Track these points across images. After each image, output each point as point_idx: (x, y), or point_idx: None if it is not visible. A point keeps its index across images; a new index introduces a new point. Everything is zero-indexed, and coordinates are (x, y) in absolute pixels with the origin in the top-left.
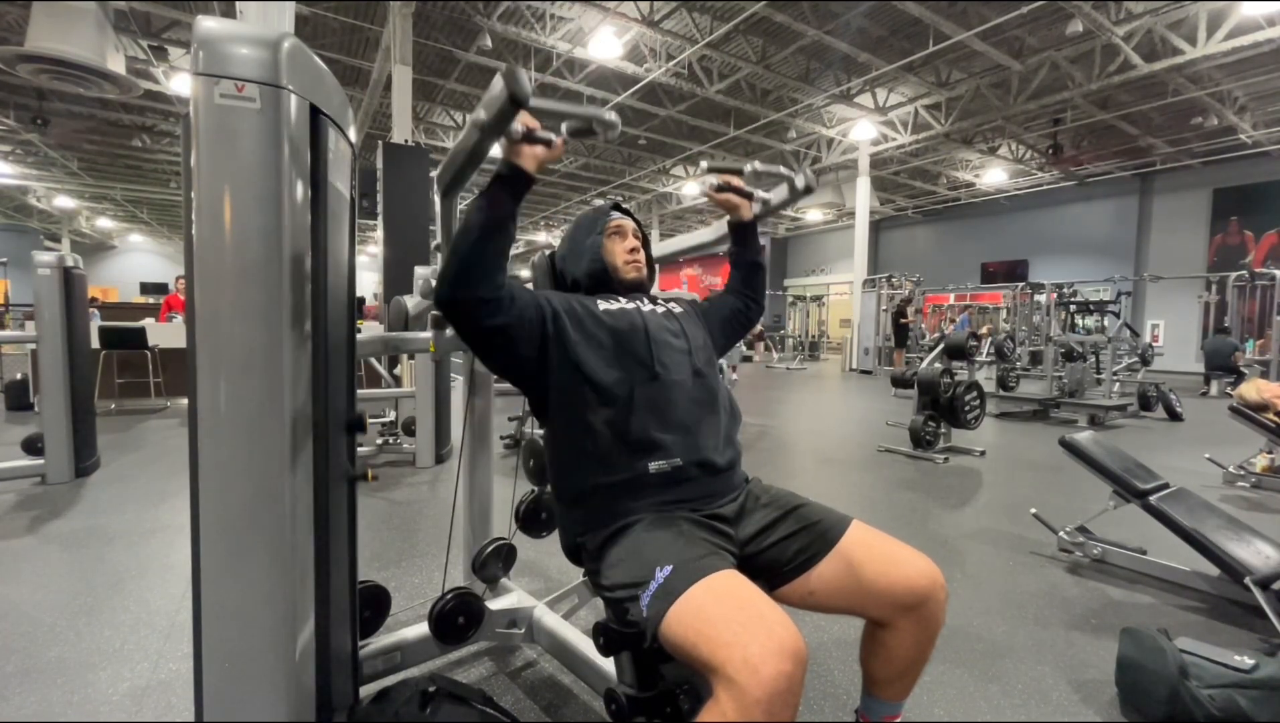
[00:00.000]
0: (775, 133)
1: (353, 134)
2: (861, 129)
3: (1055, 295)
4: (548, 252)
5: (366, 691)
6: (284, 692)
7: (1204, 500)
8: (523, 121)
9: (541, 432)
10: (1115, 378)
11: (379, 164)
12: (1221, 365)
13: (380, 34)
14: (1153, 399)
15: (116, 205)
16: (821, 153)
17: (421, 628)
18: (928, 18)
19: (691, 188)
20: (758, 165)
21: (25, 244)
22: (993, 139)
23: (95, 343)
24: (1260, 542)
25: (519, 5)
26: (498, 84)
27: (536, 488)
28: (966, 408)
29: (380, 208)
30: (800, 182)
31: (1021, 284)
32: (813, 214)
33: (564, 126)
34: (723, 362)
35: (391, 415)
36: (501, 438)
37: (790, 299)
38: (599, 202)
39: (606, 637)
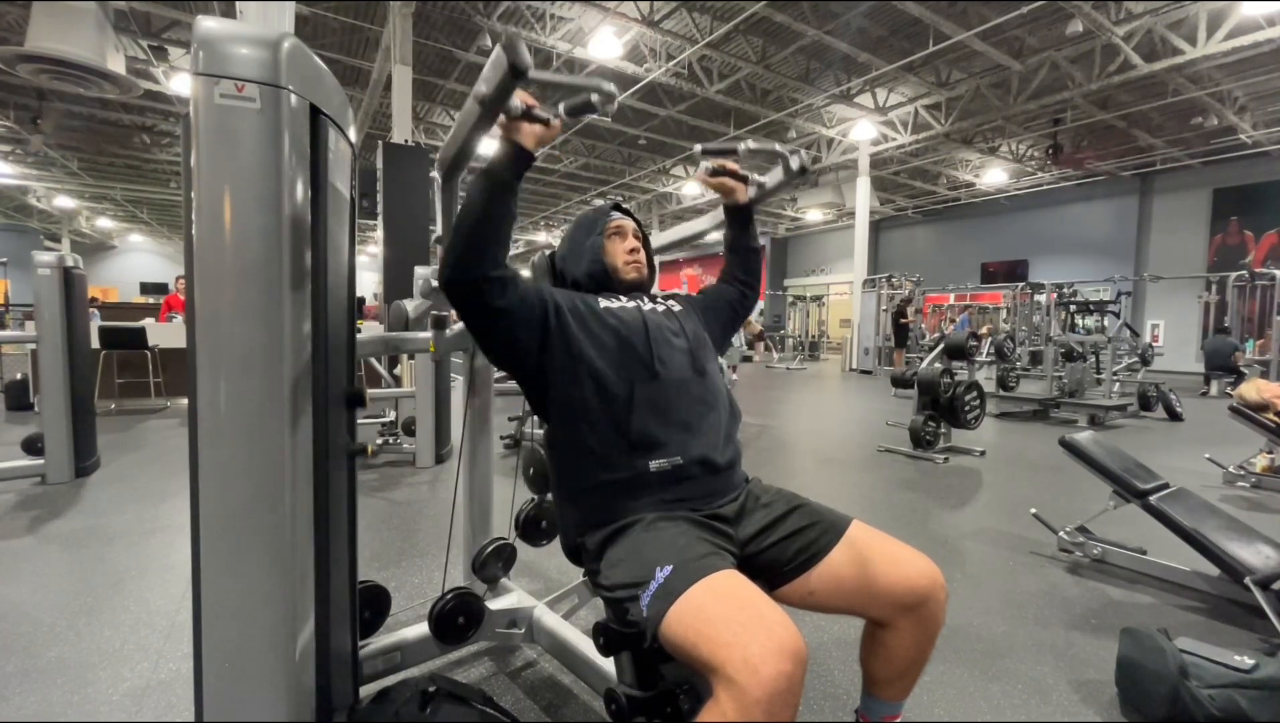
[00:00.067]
0: (775, 133)
1: (353, 134)
2: (861, 129)
3: (1055, 295)
4: (548, 252)
5: (366, 691)
6: (284, 692)
7: (1204, 500)
8: (521, 99)
9: (541, 441)
10: (1115, 378)
11: (379, 164)
12: (1221, 365)
13: (380, 34)
14: (1153, 399)
15: (116, 205)
16: (821, 153)
17: (421, 628)
18: (928, 18)
19: (692, 188)
20: (750, 144)
21: (25, 244)
22: (993, 139)
23: (95, 343)
24: (1260, 542)
25: (519, 5)
26: (498, 55)
27: (537, 497)
28: (966, 408)
29: (380, 208)
30: (795, 162)
31: (1021, 284)
32: (813, 214)
33: (561, 107)
34: (722, 361)
35: (391, 415)
36: (501, 438)
37: (790, 299)
38: (599, 202)
39: (606, 637)
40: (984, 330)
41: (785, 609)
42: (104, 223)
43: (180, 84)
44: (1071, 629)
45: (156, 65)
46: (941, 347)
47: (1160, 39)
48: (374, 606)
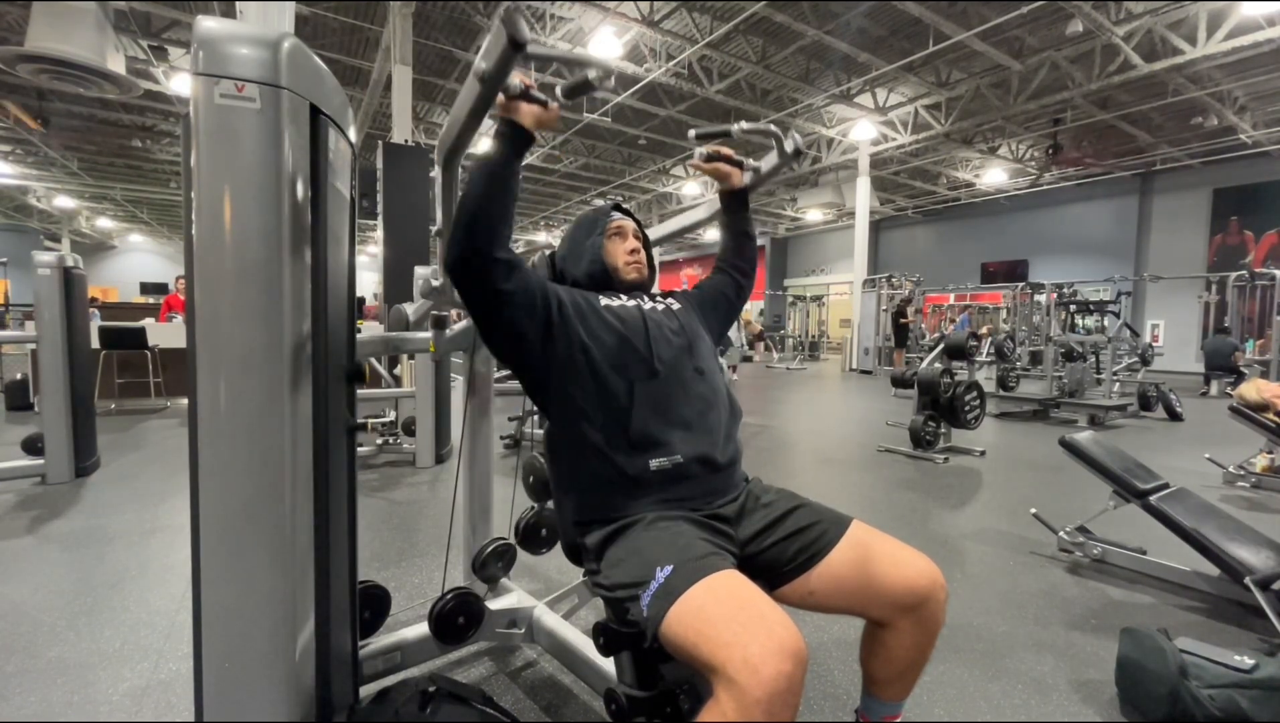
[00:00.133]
0: None
1: (353, 134)
2: (861, 129)
3: (1055, 295)
4: (548, 252)
5: (366, 691)
6: (284, 692)
7: (1204, 501)
8: (520, 79)
9: (541, 440)
10: (1115, 378)
11: (379, 164)
12: (1221, 365)
13: (380, 34)
14: (1153, 399)
15: (116, 205)
16: (821, 153)
17: (421, 628)
18: (928, 18)
19: (692, 187)
20: (744, 125)
21: (25, 244)
22: (993, 139)
23: (95, 343)
24: (1260, 542)
25: (519, 5)
26: (497, 30)
27: (536, 505)
28: (966, 408)
29: (380, 208)
30: (789, 144)
31: (1021, 284)
32: (813, 214)
33: (559, 89)
34: (722, 361)
35: (391, 415)
36: (501, 438)
37: (790, 299)
38: (599, 202)
39: (606, 637)
40: (984, 330)
41: (785, 609)
42: (104, 223)
43: (180, 84)
44: (1071, 629)
45: (156, 65)
46: (941, 347)
47: (1160, 39)
48: (374, 606)
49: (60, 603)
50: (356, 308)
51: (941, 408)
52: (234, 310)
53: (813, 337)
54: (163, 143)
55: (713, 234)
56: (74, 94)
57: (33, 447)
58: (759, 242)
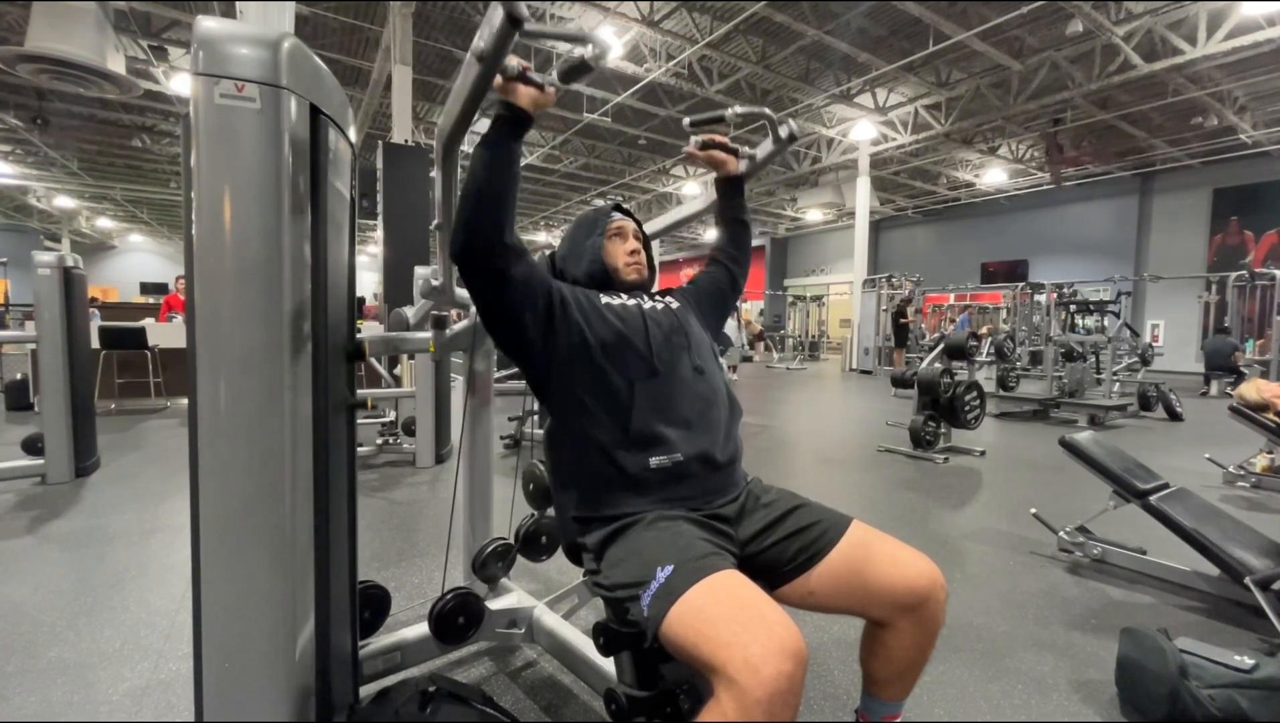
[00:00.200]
0: None
1: (353, 134)
2: (861, 129)
3: (1055, 295)
4: (548, 252)
5: (366, 691)
6: (284, 692)
7: (1204, 501)
8: (516, 62)
9: (541, 457)
10: (1115, 378)
11: (379, 164)
12: (1221, 365)
13: (380, 34)
14: (1153, 399)
15: (116, 205)
16: (821, 153)
17: (421, 628)
18: (928, 18)
19: (692, 188)
20: (737, 108)
21: (25, 244)
22: (993, 139)
23: (95, 343)
24: (1260, 542)
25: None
26: (494, 8)
27: (536, 512)
28: (966, 408)
29: (380, 208)
30: (784, 130)
31: (1021, 284)
32: (813, 214)
33: (554, 73)
34: (722, 361)
35: (391, 415)
36: (501, 438)
37: (790, 299)
38: (599, 202)
39: (607, 637)
40: (984, 330)
41: (785, 609)
42: (104, 223)
43: (180, 84)
44: (1071, 629)
45: (156, 65)
46: (941, 347)
47: (1160, 39)
48: (374, 606)
49: (60, 603)
50: (356, 308)
51: (941, 408)
52: (234, 310)
53: (813, 337)
54: (163, 143)
55: (713, 235)
56: (74, 94)
57: (33, 447)
58: (759, 242)
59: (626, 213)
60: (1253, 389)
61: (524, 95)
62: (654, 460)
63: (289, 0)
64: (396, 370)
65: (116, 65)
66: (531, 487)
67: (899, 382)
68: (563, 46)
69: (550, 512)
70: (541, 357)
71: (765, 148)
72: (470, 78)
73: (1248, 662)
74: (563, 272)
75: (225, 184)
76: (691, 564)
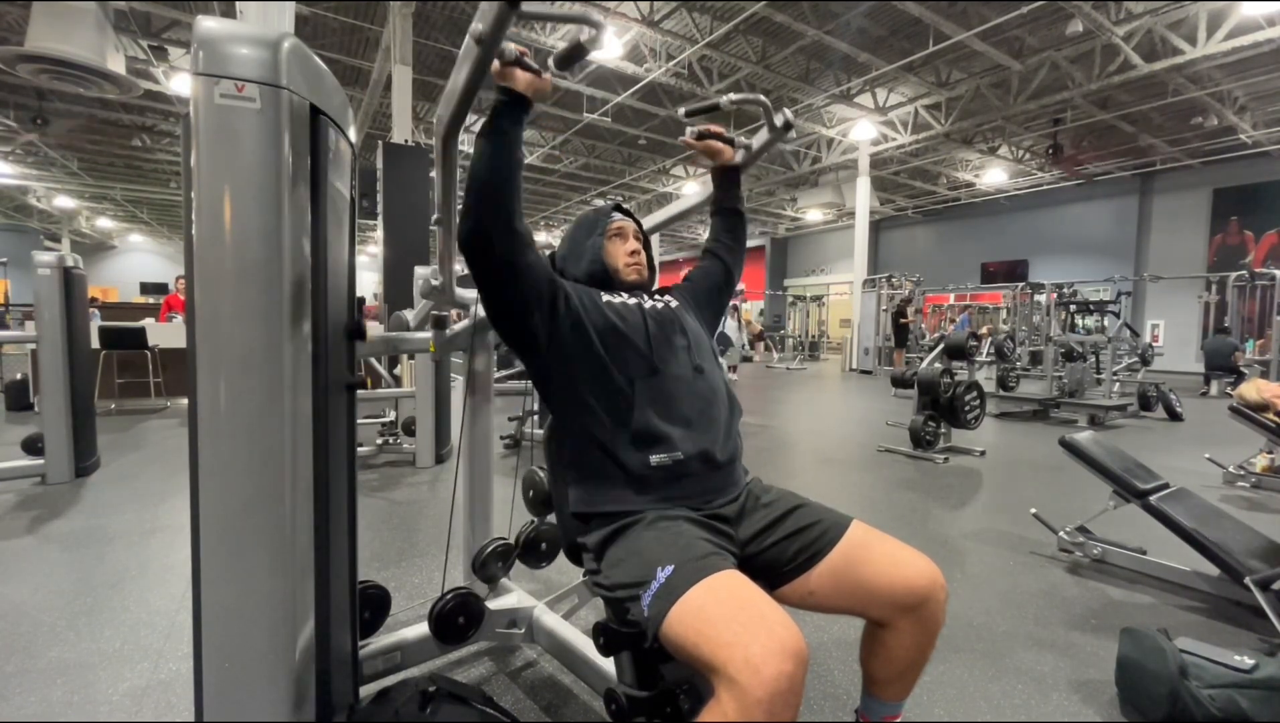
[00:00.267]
0: None
1: (353, 134)
2: (861, 129)
3: (1055, 295)
4: (548, 252)
5: (366, 691)
6: (284, 692)
7: (1204, 501)
8: (514, 47)
9: (540, 464)
10: (1115, 378)
11: (379, 164)
12: (1221, 365)
13: (380, 34)
14: (1153, 399)
15: (116, 205)
16: (821, 153)
17: (421, 628)
18: (928, 18)
19: (692, 187)
20: (732, 96)
21: (25, 244)
22: (993, 139)
23: (95, 343)
24: (1260, 542)
25: None
26: None
27: (536, 519)
28: (966, 408)
29: (380, 208)
30: (779, 118)
31: (1021, 284)
32: (813, 214)
33: (551, 60)
34: (722, 362)
35: (391, 415)
36: (501, 438)
37: (790, 299)
38: (599, 202)
39: (607, 637)
40: (984, 330)
41: (786, 609)
42: (104, 223)
43: (180, 84)
44: (1071, 629)
45: (156, 65)
46: (941, 347)
47: (1160, 39)
48: (374, 606)
49: (60, 603)
50: (357, 308)
51: (941, 408)
52: (234, 310)
53: (813, 337)
54: (163, 143)
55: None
56: (74, 94)
57: (33, 447)
58: (760, 242)
59: (627, 213)
60: (1253, 389)
61: (521, 80)
62: (654, 458)
63: (289, 0)
64: (396, 371)
65: (116, 65)
66: (531, 493)
67: (899, 382)
68: (558, 43)
69: (550, 518)
70: (546, 350)
71: (761, 137)
72: (468, 61)
73: (1248, 662)
74: (563, 272)
75: (225, 184)
76: (692, 564)
